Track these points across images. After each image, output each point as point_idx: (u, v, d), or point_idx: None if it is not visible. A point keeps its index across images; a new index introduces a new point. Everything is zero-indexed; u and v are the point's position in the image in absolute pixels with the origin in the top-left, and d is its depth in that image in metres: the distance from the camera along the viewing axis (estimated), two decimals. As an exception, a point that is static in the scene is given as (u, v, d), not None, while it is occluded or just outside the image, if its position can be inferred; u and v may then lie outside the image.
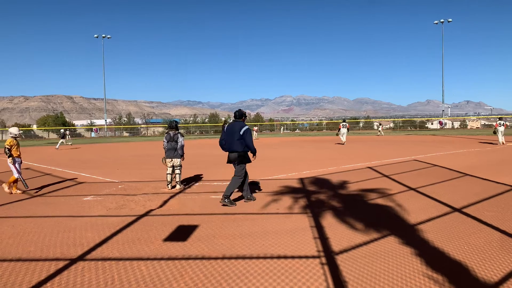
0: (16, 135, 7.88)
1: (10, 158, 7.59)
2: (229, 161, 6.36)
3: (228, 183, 6.22)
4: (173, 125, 7.85)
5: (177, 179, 7.79)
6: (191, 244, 4.18)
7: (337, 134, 22.67)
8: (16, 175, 7.64)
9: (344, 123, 22.01)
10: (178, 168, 7.80)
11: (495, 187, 7.03)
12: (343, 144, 21.05)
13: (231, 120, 6.61)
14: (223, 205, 6.01)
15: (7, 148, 7.63)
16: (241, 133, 6.12)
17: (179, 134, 7.81)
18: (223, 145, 6.34)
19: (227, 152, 6.34)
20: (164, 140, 7.79)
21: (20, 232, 4.82)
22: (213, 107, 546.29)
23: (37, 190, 8.04)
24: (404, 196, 6.50)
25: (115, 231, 4.77)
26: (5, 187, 7.69)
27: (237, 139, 6.13)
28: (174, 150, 7.70)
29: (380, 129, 36.89)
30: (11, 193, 7.65)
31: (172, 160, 7.73)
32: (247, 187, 6.40)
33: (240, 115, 6.38)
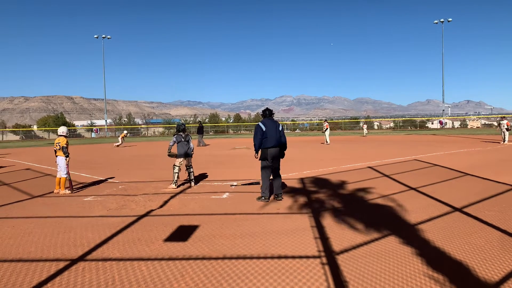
0: (67, 134, 7.90)
1: (68, 158, 7.60)
2: (270, 157, 6.28)
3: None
4: (182, 128, 8.29)
5: (192, 177, 8.20)
6: (191, 244, 4.18)
7: (323, 133, 23.32)
8: (65, 175, 7.59)
9: (326, 123, 23.22)
10: (191, 166, 8.26)
11: (496, 187, 7.02)
12: (327, 143, 21.63)
13: (265, 118, 6.48)
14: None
15: (65, 147, 7.56)
16: (280, 129, 6.43)
17: (190, 136, 8.30)
18: (267, 141, 6.24)
19: (269, 148, 6.25)
20: (174, 140, 8.12)
21: (20, 232, 4.83)
22: (213, 107, 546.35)
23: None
24: (404, 195, 6.50)
25: (115, 231, 4.77)
26: (66, 191, 7.63)
27: (281, 135, 6.41)
28: (187, 151, 8.08)
29: (365, 132, 36.31)
30: (58, 192, 7.62)
31: (185, 160, 8.12)
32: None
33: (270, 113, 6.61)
